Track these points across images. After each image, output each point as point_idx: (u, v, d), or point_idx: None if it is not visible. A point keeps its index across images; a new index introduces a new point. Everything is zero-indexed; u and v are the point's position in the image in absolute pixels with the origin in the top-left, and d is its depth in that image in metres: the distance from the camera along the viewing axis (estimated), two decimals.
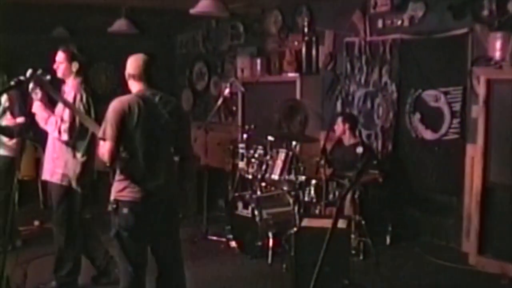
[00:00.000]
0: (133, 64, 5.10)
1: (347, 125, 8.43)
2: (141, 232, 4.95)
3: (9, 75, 7.51)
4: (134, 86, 5.08)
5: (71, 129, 5.91)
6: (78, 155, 6.08)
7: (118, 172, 4.98)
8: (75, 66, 6.09)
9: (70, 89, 6.07)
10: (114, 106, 4.86)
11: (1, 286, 4.85)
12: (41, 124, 6.03)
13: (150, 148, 4.90)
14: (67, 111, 5.91)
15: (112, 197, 4.96)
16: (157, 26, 12.28)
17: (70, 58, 6.09)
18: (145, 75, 5.05)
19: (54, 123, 5.92)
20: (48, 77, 5.73)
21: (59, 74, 6.08)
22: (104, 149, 4.84)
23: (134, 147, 4.86)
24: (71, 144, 6.03)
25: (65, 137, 5.92)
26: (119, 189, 4.92)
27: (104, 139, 4.85)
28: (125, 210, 4.87)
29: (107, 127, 4.83)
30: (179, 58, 13.69)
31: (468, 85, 7.98)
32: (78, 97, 5.95)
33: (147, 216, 4.92)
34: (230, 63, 12.06)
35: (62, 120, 5.90)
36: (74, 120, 5.90)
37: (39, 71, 5.66)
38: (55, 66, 6.05)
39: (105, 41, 11.83)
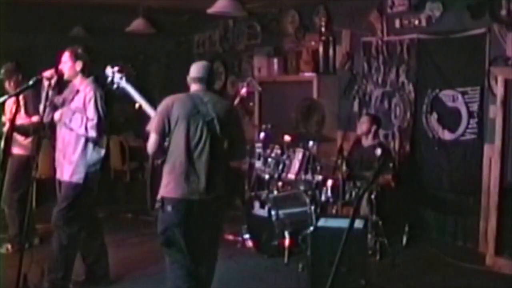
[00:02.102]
0: (195, 68, 5.39)
1: (374, 127, 8.39)
2: (188, 228, 5.03)
3: (25, 74, 7.57)
4: (192, 88, 5.35)
5: (98, 126, 5.94)
6: (96, 151, 6.12)
7: (164, 167, 5.17)
8: (79, 65, 6.11)
9: (80, 89, 6.09)
10: (163, 102, 5.16)
11: (19, 284, 4.88)
12: (66, 121, 6.04)
13: (193, 144, 5.05)
14: (91, 107, 5.94)
15: (160, 194, 5.11)
16: (175, 26, 12.30)
17: (75, 57, 6.12)
18: (203, 78, 5.31)
19: (79, 120, 5.95)
20: (124, 76, 5.90)
21: (65, 75, 6.09)
22: (149, 141, 5.12)
23: (177, 142, 5.05)
24: (96, 140, 6.06)
25: (92, 133, 5.95)
26: (164, 185, 5.10)
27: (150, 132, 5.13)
28: (169, 207, 5.01)
29: (154, 120, 5.13)
30: (196, 57, 13.68)
31: (486, 85, 7.95)
32: (94, 96, 5.98)
33: (190, 213, 5.03)
34: (247, 63, 12.07)
35: (87, 117, 5.93)
36: (100, 117, 5.94)
37: (117, 67, 5.93)
38: (60, 66, 6.07)
39: (123, 41, 11.87)
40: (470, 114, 8.15)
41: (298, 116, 9.60)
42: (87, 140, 6.05)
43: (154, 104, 5.57)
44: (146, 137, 5.23)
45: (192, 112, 5.06)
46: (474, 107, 8.10)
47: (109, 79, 5.96)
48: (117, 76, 5.99)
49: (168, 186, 5.06)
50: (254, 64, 11.47)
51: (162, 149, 5.13)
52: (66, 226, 6.12)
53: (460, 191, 8.40)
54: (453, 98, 8.35)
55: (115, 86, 5.97)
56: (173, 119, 5.04)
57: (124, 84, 5.97)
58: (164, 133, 5.08)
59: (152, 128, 5.11)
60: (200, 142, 5.07)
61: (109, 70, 6.05)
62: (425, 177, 8.85)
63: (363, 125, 8.46)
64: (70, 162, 6.09)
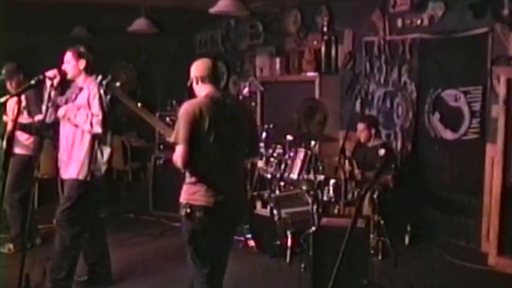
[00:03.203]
0: (200, 66, 5.11)
1: (372, 130, 8.40)
2: (215, 236, 4.94)
3: (26, 74, 7.57)
4: (203, 89, 5.05)
5: (104, 122, 5.93)
6: (102, 150, 6.12)
7: (188, 175, 4.96)
8: (81, 64, 6.11)
9: (84, 86, 6.10)
10: (186, 109, 4.82)
11: (21, 284, 4.88)
12: (71, 117, 6.04)
13: (223, 150, 4.88)
14: (95, 104, 5.95)
15: (183, 200, 4.94)
16: (177, 25, 12.30)
17: (78, 56, 6.12)
18: (213, 77, 5.07)
19: (84, 116, 5.95)
20: (118, 83, 5.78)
21: (69, 75, 6.09)
22: (177, 153, 4.81)
23: (207, 150, 4.82)
24: (100, 136, 6.07)
25: (98, 129, 5.93)
26: (191, 193, 4.90)
27: (176, 144, 4.82)
28: (198, 214, 4.84)
29: (179, 131, 4.79)
30: (198, 57, 13.63)
31: (488, 84, 7.95)
32: (98, 92, 5.98)
33: (220, 220, 4.91)
34: (249, 63, 12.08)
35: (92, 113, 5.93)
36: (105, 113, 5.93)
37: (109, 77, 5.72)
38: (63, 67, 6.06)
39: (125, 40, 11.89)
40: (473, 114, 8.14)
41: (300, 115, 9.60)
42: (93, 138, 6.05)
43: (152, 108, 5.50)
44: (172, 147, 5.02)
45: (220, 118, 4.84)
46: (477, 106, 8.10)
47: (102, 90, 5.87)
48: (111, 86, 5.87)
49: (197, 194, 4.86)
50: (256, 64, 11.46)
51: (191, 160, 4.84)
52: (69, 226, 6.12)
53: (462, 191, 8.40)
54: (455, 97, 8.34)
55: (108, 96, 5.90)
56: (203, 126, 4.76)
57: (118, 93, 5.86)
58: (193, 143, 4.78)
59: (179, 139, 4.78)
60: (230, 148, 4.94)
61: (101, 81, 5.88)
62: (427, 176, 8.85)
63: (362, 133, 8.48)
64: (77, 161, 6.07)
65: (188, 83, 5.17)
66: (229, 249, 5.27)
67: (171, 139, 4.93)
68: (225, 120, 4.89)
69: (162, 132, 5.35)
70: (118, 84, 5.79)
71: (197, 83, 5.07)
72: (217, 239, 4.97)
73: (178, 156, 4.80)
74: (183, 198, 4.95)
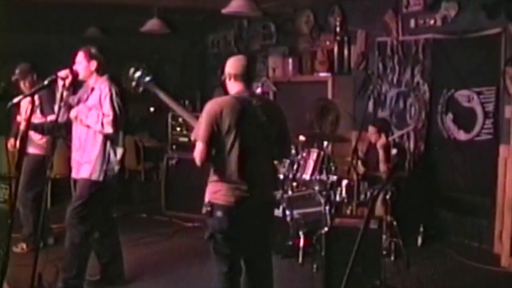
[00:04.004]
0: (235, 63, 5.09)
1: (383, 134, 8.37)
2: (236, 235, 4.94)
3: (39, 74, 7.60)
4: (234, 87, 5.07)
5: (115, 122, 5.95)
6: (114, 150, 6.15)
7: (211, 173, 4.98)
8: (93, 65, 6.14)
9: (95, 87, 6.12)
10: (209, 108, 4.86)
11: (33, 283, 4.89)
12: (82, 118, 6.07)
13: (245, 150, 4.85)
14: (106, 104, 5.97)
15: (206, 199, 4.95)
16: (189, 26, 12.32)
17: (89, 57, 6.14)
18: (246, 76, 5.07)
19: (95, 116, 5.97)
20: (148, 78, 5.75)
21: (81, 76, 6.11)
22: (196, 150, 4.85)
23: (228, 149, 4.83)
24: (112, 136, 6.08)
25: (108, 129, 5.96)
26: (214, 191, 4.92)
27: (196, 140, 4.87)
28: (219, 213, 4.85)
29: (200, 129, 4.84)
30: (211, 57, 13.73)
31: (502, 85, 7.92)
32: (109, 92, 6.00)
33: (241, 219, 4.91)
34: (261, 63, 12.06)
35: (103, 113, 5.95)
36: (116, 114, 5.95)
37: (139, 72, 5.72)
38: (75, 67, 6.08)
39: (138, 41, 11.91)
40: (486, 114, 8.12)
41: (312, 116, 9.58)
42: (105, 138, 6.07)
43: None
44: (193, 145, 5.03)
45: (243, 118, 4.82)
46: (490, 107, 8.07)
47: (134, 82, 5.85)
48: (144, 79, 5.83)
49: (218, 193, 4.88)
50: (269, 64, 11.45)
51: (212, 158, 4.88)
52: (79, 224, 6.14)
53: (475, 192, 8.37)
54: (468, 98, 8.32)
55: (141, 89, 5.88)
56: (223, 126, 4.78)
57: (151, 86, 5.81)
58: (213, 141, 4.81)
59: (199, 137, 4.83)
60: (252, 149, 4.91)
61: (133, 73, 5.79)
62: (440, 177, 8.82)
63: (371, 136, 8.45)
64: (89, 161, 6.11)
65: (222, 78, 5.20)
66: (262, 249, 5.27)
67: (192, 136, 4.98)
68: (249, 121, 4.88)
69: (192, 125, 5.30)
70: (149, 78, 5.75)
71: (229, 79, 5.09)
72: (237, 239, 4.97)
73: (197, 153, 4.84)
74: (206, 196, 4.98)
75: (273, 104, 5.26)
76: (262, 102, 5.07)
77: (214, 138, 4.80)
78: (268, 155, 5.19)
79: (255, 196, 4.93)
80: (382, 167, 7.98)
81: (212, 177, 4.96)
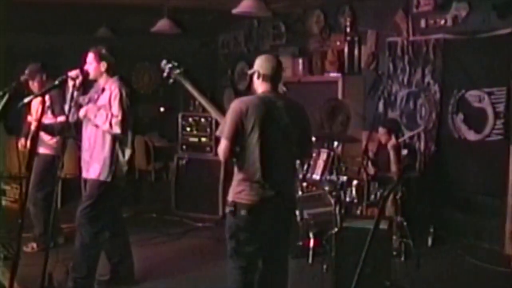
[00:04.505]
0: (267, 64, 5.13)
1: (393, 135, 8.35)
2: (259, 234, 5.00)
3: (49, 75, 7.61)
4: (261, 87, 5.12)
5: (123, 123, 5.96)
6: (122, 150, 6.16)
7: (236, 172, 5.04)
8: (103, 65, 6.16)
9: (105, 87, 6.14)
10: (234, 106, 4.93)
11: (44, 283, 4.90)
12: (91, 117, 6.08)
13: (268, 151, 4.92)
14: (115, 104, 5.98)
15: (230, 198, 5.01)
16: (199, 26, 12.33)
17: (99, 58, 6.16)
18: (275, 77, 5.12)
19: (104, 116, 5.99)
20: (178, 70, 5.74)
21: (91, 76, 6.13)
22: (220, 147, 4.95)
23: (252, 148, 4.90)
24: (120, 137, 6.09)
25: (117, 130, 5.98)
26: (237, 191, 4.97)
27: (220, 137, 4.95)
28: (243, 212, 4.91)
29: (225, 126, 4.92)
30: (221, 58, 13.75)
31: None
32: (119, 93, 6.01)
33: (265, 218, 4.97)
34: None
35: (112, 114, 5.96)
36: (125, 114, 5.96)
37: (173, 63, 5.73)
38: (85, 67, 6.10)
39: (148, 41, 11.93)
40: (496, 115, 8.09)
41: (323, 116, 9.57)
42: (114, 139, 6.09)
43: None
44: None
45: (267, 118, 4.90)
46: (501, 107, 8.05)
47: (165, 73, 5.82)
48: (175, 71, 5.81)
49: (242, 192, 4.93)
50: None
51: (236, 156, 4.96)
52: (88, 224, 6.16)
53: (485, 192, 8.34)
54: (479, 98, 8.29)
55: (171, 80, 5.84)
56: (248, 125, 4.85)
57: (181, 78, 5.78)
58: (237, 140, 4.89)
59: (224, 134, 4.91)
60: (275, 149, 4.97)
61: (165, 64, 5.82)
62: (450, 178, 8.80)
63: (382, 137, 8.44)
64: (98, 161, 6.13)
65: (249, 72, 5.23)
66: (281, 249, 5.32)
67: (217, 132, 5.05)
68: (273, 121, 4.94)
69: (221, 122, 5.30)
70: (180, 70, 5.73)
71: (257, 78, 5.12)
72: (260, 238, 5.03)
73: (220, 150, 4.94)
74: (229, 195, 5.04)
75: (297, 106, 5.28)
76: (287, 103, 5.12)
77: (238, 136, 4.88)
78: (290, 155, 5.25)
79: (277, 195, 4.98)
80: (393, 167, 7.97)
81: (237, 176, 5.03)
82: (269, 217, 5.00)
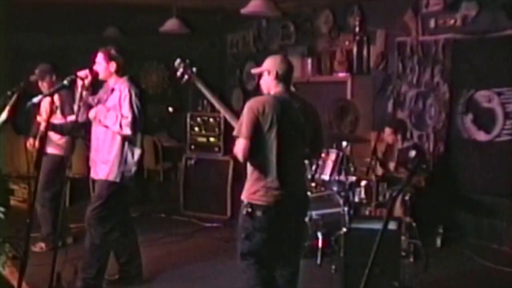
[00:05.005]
0: (283, 64, 5.12)
1: (399, 135, 8.35)
2: (274, 235, 4.99)
3: (58, 75, 7.62)
4: (275, 87, 5.10)
5: (133, 124, 5.96)
6: (132, 151, 6.15)
7: (249, 171, 5.05)
8: (112, 66, 6.13)
9: (115, 88, 6.13)
10: (251, 105, 4.90)
11: (52, 283, 4.90)
12: (101, 118, 6.08)
13: (283, 151, 4.91)
14: (125, 105, 5.98)
15: (245, 199, 4.99)
16: (208, 26, 12.34)
17: (108, 59, 6.14)
18: (288, 78, 5.13)
19: (114, 117, 5.98)
20: (195, 69, 5.74)
21: (100, 76, 6.12)
22: (238, 147, 4.90)
23: (268, 148, 4.90)
24: (130, 138, 6.09)
25: (127, 131, 5.97)
26: (252, 192, 4.96)
27: (238, 137, 4.91)
28: (259, 213, 4.90)
29: (243, 126, 4.88)
30: (230, 57, 13.75)
31: None
32: (129, 94, 6.01)
33: (280, 218, 4.96)
34: None
35: (122, 115, 5.95)
36: (135, 115, 5.95)
37: (187, 61, 5.70)
38: (95, 67, 6.10)
39: (157, 41, 11.94)
40: (506, 115, 8.07)
41: (331, 116, 9.56)
42: (123, 139, 6.08)
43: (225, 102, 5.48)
44: (232, 141, 5.05)
45: (284, 118, 4.89)
46: (510, 107, 8.03)
47: (179, 73, 5.80)
48: (189, 70, 5.79)
49: (257, 193, 4.92)
50: None
51: (253, 156, 4.92)
52: (98, 225, 6.16)
53: (495, 193, 8.32)
54: (488, 98, 8.28)
55: (185, 79, 5.81)
56: (265, 125, 4.84)
57: (195, 78, 5.76)
58: (254, 139, 4.86)
59: (242, 134, 4.87)
60: (291, 149, 4.98)
61: (179, 64, 5.80)
62: (459, 178, 8.78)
63: (388, 137, 8.43)
64: (107, 161, 6.13)
65: (259, 71, 5.20)
66: (294, 249, 5.32)
67: (234, 132, 4.99)
68: (288, 121, 4.93)
69: (231, 122, 5.28)
70: (195, 69, 5.72)
71: (275, 78, 5.08)
72: (276, 238, 5.02)
73: (239, 150, 4.90)
74: (244, 196, 5.02)
75: (311, 106, 5.28)
76: (302, 104, 5.13)
77: (255, 136, 4.86)
78: (302, 155, 5.30)
79: (291, 195, 4.99)
80: (399, 169, 7.97)
81: (251, 175, 5.02)
82: (284, 218, 4.99)
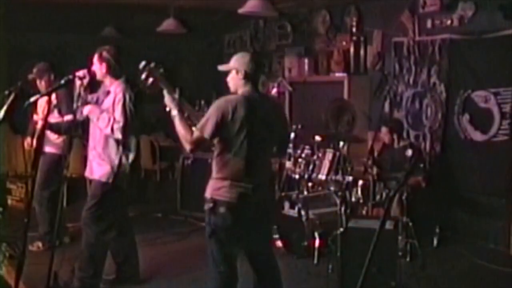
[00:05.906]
0: (251, 64, 5.06)
1: (395, 135, 8.37)
2: (237, 233, 4.97)
3: (56, 74, 7.63)
4: (243, 86, 5.06)
5: (124, 129, 5.97)
6: (125, 152, 6.16)
7: (215, 170, 5.02)
8: (103, 67, 6.14)
9: (111, 90, 6.15)
10: (221, 105, 4.86)
11: (49, 282, 4.91)
12: (93, 119, 6.09)
13: (252, 149, 4.89)
14: (118, 109, 5.98)
15: (208, 196, 4.98)
16: (205, 26, 12.33)
17: (100, 60, 6.16)
18: (256, 77, 5.09)
19: (106, 120, 5.99)
20: (162, 69, 5.73)
21: (97, 76, 6.13)
22: (191, 138, 4.95)
23: (237, 148, 4.87)
24: (122, 142, 6.09)
25: (118, 135, 5.99)
26: (216, 188, 4.94)
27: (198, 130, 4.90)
28: (222, 210, 4.87)
29: (208, 123, 4.84)
30: (227, 57, 13.61)
31: None
32: (123, 98, 6.02)
33: (243, 217, 4.92)
34: (277, 63, 12.08)
35: (114, 118, 5.96)
36: (127, 120, 5.96)
37: (152, 64, 5.69)
38: (93, 67, 6.11)
39: (154, 41, 11.93)
40: (503, 115, 8.09)
41: (328, 116, 9.55)
42: (117, 141, 6.09)
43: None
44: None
45: (254, 118, 4.86)
46: (507, 108, 8.04)
47: (143, 76, 5.80)
48: (154, 73, 5.78)
49: (221, 189, 4.90)
50: (285, 64, 11.49)
51: (224, 156, 4.94)
52: (94, 224, 6.18)
53: (491, 193, 8.34)
54: (485, 99, 8.29)
55: (149, 82, 5.82)
56: (234, 126, 4.80)
57: (161, 81, 5.74)
58: (212, 136, 4.85)
59: (205, 131, 4.84)
60: (259, 148, 4.95)
61: (143, 67, 5.68)
62: (456, 178, 8.79)
63: (385, 137, 8.45)
64: (100, 161, 6.14)
65: (225, 69, 5.22)
66: (262, 247, 5.30)
67: (198, 125, 4.95)
68: (258, 120, 4.90)
69: (195, 121, 5.27)
70: (161, 70, 5.71)
71: (243, 77, 5.05)
72: (240, 236, 5.01)
73: (191, 140, 4.96)
74: (208, 193, 5.00)
75: (278, 104, 5.33)
76: (270, 102, 5.19)
77: (215, 134, 4.84)
78: (271, 153, 5.29)
79: (258, 193, 4.95)
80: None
81: (217, 174, 4.99)
82: (250, 215, 4.95)
